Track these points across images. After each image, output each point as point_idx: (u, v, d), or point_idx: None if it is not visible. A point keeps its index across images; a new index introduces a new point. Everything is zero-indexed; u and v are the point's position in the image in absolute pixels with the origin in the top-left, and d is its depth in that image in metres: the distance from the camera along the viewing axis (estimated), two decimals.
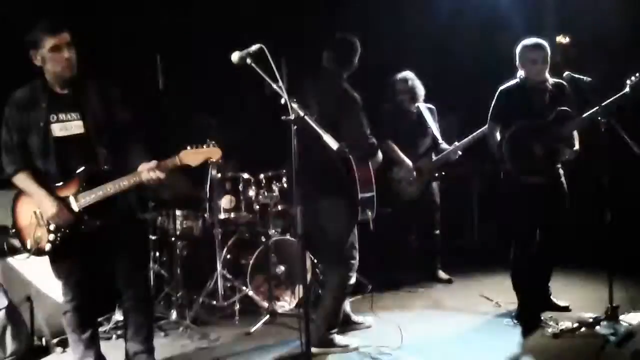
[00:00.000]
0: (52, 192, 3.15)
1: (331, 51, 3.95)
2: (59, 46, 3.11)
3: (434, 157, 5.40)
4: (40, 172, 3.20)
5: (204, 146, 3.17)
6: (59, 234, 3.16)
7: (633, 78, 3.86)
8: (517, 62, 4.17)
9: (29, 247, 3.20)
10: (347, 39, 3.97)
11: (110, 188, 3.16)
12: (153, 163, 3.15)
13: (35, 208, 3.17)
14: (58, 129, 3.17)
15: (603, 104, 3.90)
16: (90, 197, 3.16)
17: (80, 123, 3.21)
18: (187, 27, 5.84)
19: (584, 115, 3.98)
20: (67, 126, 3.19)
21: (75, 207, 3.16)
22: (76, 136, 3.20)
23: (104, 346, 3.57)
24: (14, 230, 3.26)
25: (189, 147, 3.16)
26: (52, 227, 3.15)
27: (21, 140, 3.18)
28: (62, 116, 3.19)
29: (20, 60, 3.27)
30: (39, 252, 3.19)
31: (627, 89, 3.88)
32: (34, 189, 3.16)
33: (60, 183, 3.18)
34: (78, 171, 3.18)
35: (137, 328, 3.42)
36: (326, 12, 6.27)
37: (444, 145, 5.42)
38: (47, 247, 3.17)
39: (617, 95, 3.91)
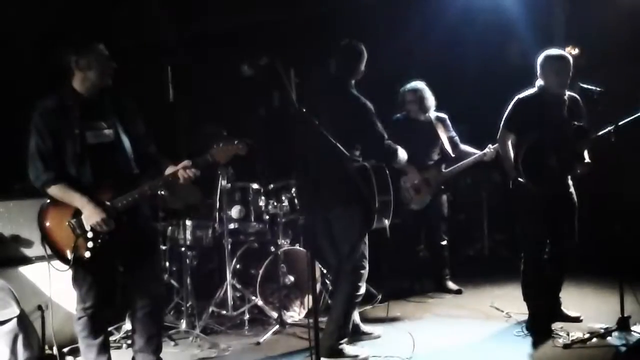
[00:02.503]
0: (91, 199, 3.17)
1: (337, 58, 3.96)
2: (107, 55, 3.24)
3: (443, 169, 5.40)
4: (73, 179, 3.21)
5: (231, 143, 3.29)
6: (98, 241, 3.17)
7: None
8: (539, 72, 4.13)
9: (69, 257, 3.18)
10: (352, 45, 3.97)
11: (146, 189, 3.24)
12: (187, 162, 3.26)
13: (68, 218, 3.18)
14: (92, 136, 3.23)
15: (619, 123, 3.89)
16: (127, 200, 3.20)
17: (110, 131, 3.29)
18: (197, 39, 5.89)
19: (599, 133, 3.97)
20: (99, 134, 3.26)
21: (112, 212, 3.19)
22: (108, 143, 3.28)
23: (114, 355, 3.57)
24: (47, 244, 3.21)
25: (217, 145, 3.27)
26: (89, 234, 3.16)
27: (56, 148, 3.19)
28: (93, 124, 3.26)
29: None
30: (78, 261, 3.19)
31: None
32: (76, 197, 3.16)
33: (96, 189, 3.21)
34: (112, 176, 3.24)
35: (148, 339, 3.42)
36: (332, 22, 6.30)
37: (469, 149, 5.40)
38: (87, 254, 3.17)
39: (634, 116, 3.90)
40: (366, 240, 3.90)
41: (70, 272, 3.31)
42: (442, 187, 5.41)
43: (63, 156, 3.21)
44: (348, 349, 3.84)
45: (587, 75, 4.15)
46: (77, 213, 3.18)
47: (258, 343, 4.29)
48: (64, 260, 3.20)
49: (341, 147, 3.26)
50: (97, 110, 3.29)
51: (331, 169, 3.67)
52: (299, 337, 4.37)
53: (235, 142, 3.28)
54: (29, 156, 3.21)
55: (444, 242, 5.51)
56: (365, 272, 3.88)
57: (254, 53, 2.98)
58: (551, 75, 4.06)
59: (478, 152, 5.33)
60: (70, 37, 3.29)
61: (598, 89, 4.03)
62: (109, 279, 3.35)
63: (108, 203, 3.19)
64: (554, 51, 4.12)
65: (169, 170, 3.30)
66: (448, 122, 5.48)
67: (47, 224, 3.21)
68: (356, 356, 3.81)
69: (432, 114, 5.40)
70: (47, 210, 3.22)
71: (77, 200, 3.16)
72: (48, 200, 3.24)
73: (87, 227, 3.16)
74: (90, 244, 3.17)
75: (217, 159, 3.28)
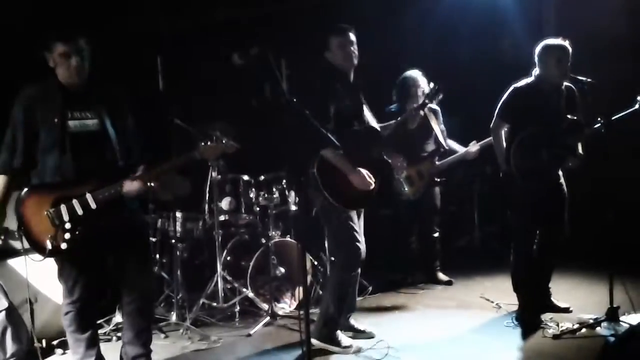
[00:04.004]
0: (66, 189, 3.14)
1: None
2: (68, 53, 3.15)
3: (436, 161, 5.35)
4: (49, 169, 3.18)
5: (219, 141, 3.25)
6: (76, 232, 3.12)
7: None
8: (537, 62, 4.09)
9: (47, 248, 3.12)
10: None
11: (129, 184, 3.16)
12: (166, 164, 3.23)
13: (47, 207, 3.13)
14: (74, 125, 3.19)
15: (612, 118, 3.89)
16: (109, 192, 3.15)
17: (95, 121, 3.25)
18: (187, 29, 5.85)
19: (592, 128, 3.98)
20: (83, 124, 3.22)
21: (92, 204, 3.14)
22: (92, 133, 3.23)
23: (104, 348, 3.55)
24: (24, 234, 3.16)
25: (205, 143, 3.22)
26: (67, 225, 3.12)
27: (28, 138, 3.17)
28: (77, 114, 3.21)
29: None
30: (55, 252, 3.14)
31: (637, 106, 3.89)
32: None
33: (76, 180, 3.17)
34: (95, 167, 3.19)
35: (138, 332, 3.39)
36: (325, 13, 6.27)
37: (454, 144, 5.37)
38: (64, 246, 3.12)
39: (627, 112, 3.91)
40: (355, 223, 3.84)
41: (55, 265, 3.28)
42: (436, 179, 5.38)
43: (35, 147, 3.17)
44: (343, 338, 3.83)
45: (578, 68, 4.12)
46: (55, 203, 3.14)
47: (249, 335, 4.28)
48: (41, 251, 3.14)
49: (330, 136, 3.24)
50: (82, 100, 3.24)
51: (308, 158, 3.67)
52: (289, 329, 4.37)
53: (224, 140, 3.25)
54: None
55: (436, 234, 5.52)
56: (357, 257, 3.82)
57: (245, 43, 2.96)
58: (552, 65, 4.02)
59: (462, 149, 5.33)
60: (48, 30, 3.22)
61: (588, 79, 4.03)
62: (95, 273, 3.32)
63: (88, 195, 3.14)
64: (554, 40, 4.07)
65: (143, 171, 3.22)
66: (440, 114, 5.47)
67: (25, 213, 3.15)
68: (349, 346, 3.80)
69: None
70: (25, 200, 3.16)
71: None
72: (26, 189, 3.19)
73: (66, 218, 3.12)
74: (67, 235, 3.12)
75: (205, 157, 3.26)
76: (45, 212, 3.13)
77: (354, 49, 3.88)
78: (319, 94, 3.75)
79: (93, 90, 3.28)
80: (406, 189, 5.27)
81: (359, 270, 3.91)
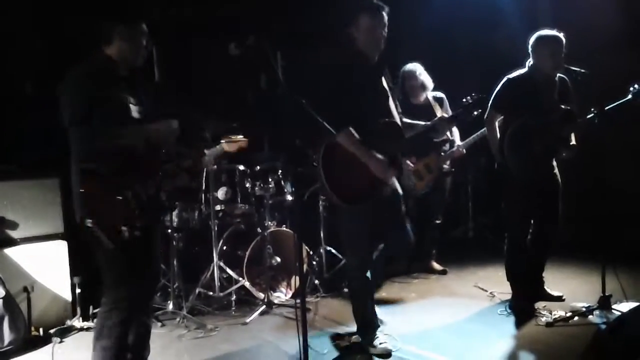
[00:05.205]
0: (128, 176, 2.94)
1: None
2: (143, 33, 3.08)
3: (442, 152, 5.27)
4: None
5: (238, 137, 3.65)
6: (144, 219, 2.92)
7: (636, 85, 3.86)
8: (532, 52, 4.08)
9: (122, 233, 2.86)
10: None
11: (171, 170, 3.10)
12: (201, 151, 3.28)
13: (116, 194, 2.86)
14: (135, 111, 3.02)
15: (604, 108, 3.91)
16: (164, 179, 3.06)
17: (137, 108, 3.05)
18: (183, 19, 5.83)
19: (585, 118, 3.99)
20: (136, 109, 3.04)
21: (151, 190, 2.99)
22: (138, 120, 3.04)
23: None
24: (91, 220, 2.85)
25: (227, 137, 3.59)
26: (137, 212, 2.91)
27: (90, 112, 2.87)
28: (131, 99, 3.04)
29: None
30: (129, 237, 2.87)
31: (629, 96, 3.89)
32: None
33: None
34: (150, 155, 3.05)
35: (138, 345, 3.12)
36: (321, 5, 6.25)
37: (456, 135, 5.35)
38: (137, 233, 2.89)
39: (619, 102, 3.93)
40: (360, 221, 3.60)
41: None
42: (444, 168, 5.32)
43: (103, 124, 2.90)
44: (379, 339, 3.69)
45: (572, 59, 4.13)
46: (121, 189, 2.88)
47: (245, 323, 4.32)
48: (109, 238, 2.85)
49: (328, 126, 3.23)
50: (130, 86, 3.07)
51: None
52: (285, 318, 4.41)
53: (240, 136, 3.49)
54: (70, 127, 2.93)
55: (439, 221, 5.52)
56: (353, 263, 3.72)
57: (242, 33, 2.95)
58: (545, 57, 4.01)
59: (458, 143, 5.31)
60: (113, 7, 3.15)
61: (582, 70, 4.04)
62: (142, 273, 3.07)
63: (150, 181, 2.99)
64: (547, 32, 4.05)
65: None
66: (446, 102, 5.36)
67: (92, 199, 2.87)
68: (375, 347, 3.66)
69: (430, 94, 5.28)
70: (91, 185, 2.88)
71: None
72: (92, 173, 2.88)
73: (133, 205, 2.89)
74: (139, 222, 2.89)
75: (227, 150, 3.43)
76: (118, 195, 2.87)
77: (385, 32, 3.52)
78: (330, 91, 3.41)
79: (133, 77, 3.13)
80: (414, 183, 5.12)
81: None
